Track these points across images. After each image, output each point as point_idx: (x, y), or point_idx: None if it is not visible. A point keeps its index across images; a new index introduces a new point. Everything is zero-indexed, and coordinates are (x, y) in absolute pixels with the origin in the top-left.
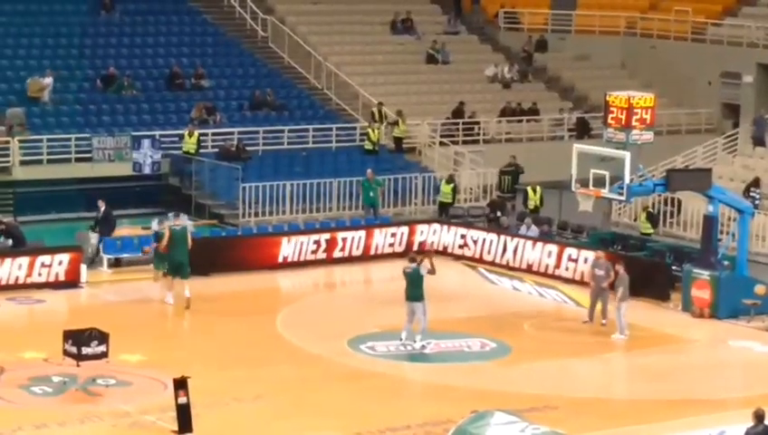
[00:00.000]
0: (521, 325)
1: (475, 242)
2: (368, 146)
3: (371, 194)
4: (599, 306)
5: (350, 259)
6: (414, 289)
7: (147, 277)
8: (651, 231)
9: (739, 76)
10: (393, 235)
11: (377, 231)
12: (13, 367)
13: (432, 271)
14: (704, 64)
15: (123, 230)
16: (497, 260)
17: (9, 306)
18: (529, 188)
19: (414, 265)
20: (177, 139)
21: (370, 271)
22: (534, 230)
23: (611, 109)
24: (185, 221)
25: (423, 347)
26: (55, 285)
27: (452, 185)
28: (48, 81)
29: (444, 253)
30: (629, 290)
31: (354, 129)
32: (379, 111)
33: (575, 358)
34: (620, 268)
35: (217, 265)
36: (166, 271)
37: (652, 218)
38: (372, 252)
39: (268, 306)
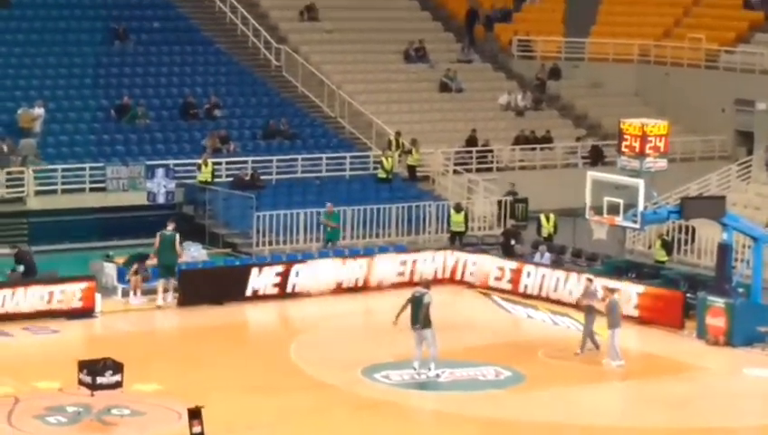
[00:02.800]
0: (535, 353)
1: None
2: (381, 174)
3: (328, 229)
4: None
5: (363, 288)
6: (421, 314)
7: (160, 307)
8: (666, 259)
9: (752, 103)
10: (403, 263)
11: (389, 259)
12: (27, 397)
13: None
14: (717, 91)
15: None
16: (511, 288)
17: (24, 336)
18: (542, 216)
19: (424, 290)
20: (191, 168)
21: (383, 299)
22: (548, 258)
23: (625, 136)
24: (171, 228)
25: (437, 376)
26: (70, 315)
27: (462, 213)
28: (39, 111)
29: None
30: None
31: (368, 157)
32: (396, 140)
33: (590, 386)
34: (615, 296)
35: (231, 294)
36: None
37: (667, 246)
38: (386, 280)
39: (282, 335)
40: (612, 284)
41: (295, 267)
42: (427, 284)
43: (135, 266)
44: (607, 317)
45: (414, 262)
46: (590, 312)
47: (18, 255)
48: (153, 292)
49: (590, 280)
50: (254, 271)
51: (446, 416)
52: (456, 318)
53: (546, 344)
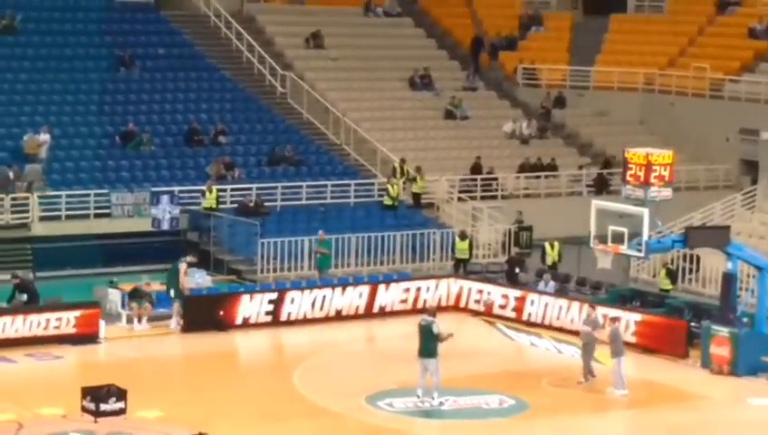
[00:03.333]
0: (539, 382)
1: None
2: (387, 202)
3: (318, 256)
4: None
5: (367, 315)
6: (427, 344)
7: (165, 333)
8: (670, 287)
9: (757, 132)
10: (407, 290)
11: (393, 287)
12: (31, 423)
13: (445, 338)
14: (722, 121)
15: (142, 286)
16: (515, 316)
17: (27, 362)
18: (547, 244)
19: (431, 318)
20: (195, 194)
21: (387, 327)
22: (552, 286)
23: (630, 165)
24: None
25: (441, 404)
26: (73, 341)
27: (467, 241)
28: (45, 137)
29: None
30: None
31: (372, 184)
32: (401, 167)
33: (593, 415)
34: (615, 325)
35: (234, 321)
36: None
37: (672, 275)
38: (389, 307)
39: (285, 362)
40: (614, 312)
41: (290, 294)
42: (433, 312)
43: (134, 299)
44: (610, 346)
45: (418, 289)
46: (589, 340)
47: (20, 285)
48: (158, 318)
49: (592, 307)
50: (255, 297)
51: None
52: (460, 346)
53: (550, 373)
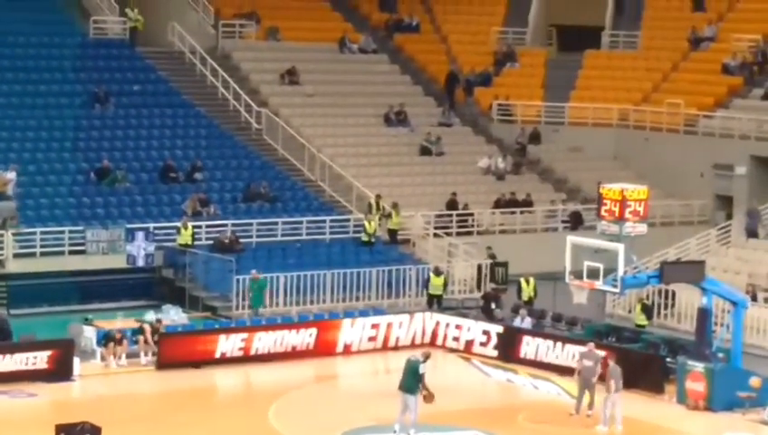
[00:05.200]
0: (515, 418)
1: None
2: (364, 238)
3: (251, 295)
4: (586, 398)
5: (342, 352)
6: (409, 380)
7: (139, 370)
8: (646, 323)
9: (731, 168)
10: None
11: (367, 323)
12: None
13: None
14: (696, 156)
15: (117, 323)
16: (491, 353)
17: (1, 400)
18: (522, 280)
19: (421, 359)
20: (170, 231)
21: (362, 363)
22: (528, 322)
23: (605, 201)
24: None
25: None
26: (47, 378)
27: (442, 277)
28: (11, 175)
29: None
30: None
31: (348, 220)
32: (377, 203)
33: None
34: (611, 361)
35: (210, 358)
36: None
37: (647, 310)
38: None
39: (260, 399)
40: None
41: (258, 334)
42: (427, 355)
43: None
44: (607, 383)
45: (389, 325)
46: (590, 375)
47: None
48: (135, 355)
49: (590, 349)
50: (222, 337)
51: None
52: (437, 382)
53: (526, 409)
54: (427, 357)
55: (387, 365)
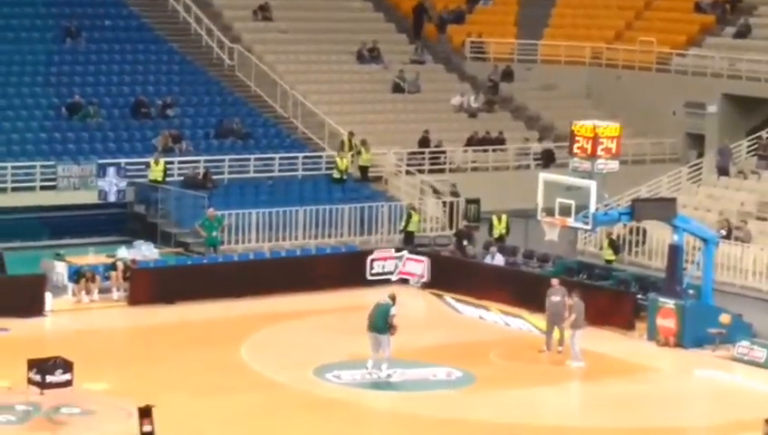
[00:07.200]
0: (486, 354)
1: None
2: (336, 175)
3: (213, 233)
4: (556, 334)
5: (315, 287)
6: (379, 321)
7: (111, 305)
8: (614, 258)
9: (703, 106)
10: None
11: (340, 259)
12: None
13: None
14: (668, 94)
15: (89, 258)
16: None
17: None
18: (494, 217)
19: (389, 301)
20: (142, 167)
21: (335, 299)
22: (500, 259)
23: (577, 138)
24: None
25: (389, 376)
26: (19, 313)
27: (418, 214)
28: None
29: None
30: (585, 318)
31: (320, 157)
32: (349, 140)
33: (540, 387)
34: (575, 296)
35: (182, 294)
36: None
37: (614, 245)
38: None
39: (233, 335)
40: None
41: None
42: (393, 297)
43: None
44: (570, 318)
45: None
46: (558, 310)
47: None
48: (107, 290)
49: (555, 284)
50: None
51: (397, 416)
52: (408, 319)
53: (498, 345)
54: (393, 299)
55: (361, 301)
